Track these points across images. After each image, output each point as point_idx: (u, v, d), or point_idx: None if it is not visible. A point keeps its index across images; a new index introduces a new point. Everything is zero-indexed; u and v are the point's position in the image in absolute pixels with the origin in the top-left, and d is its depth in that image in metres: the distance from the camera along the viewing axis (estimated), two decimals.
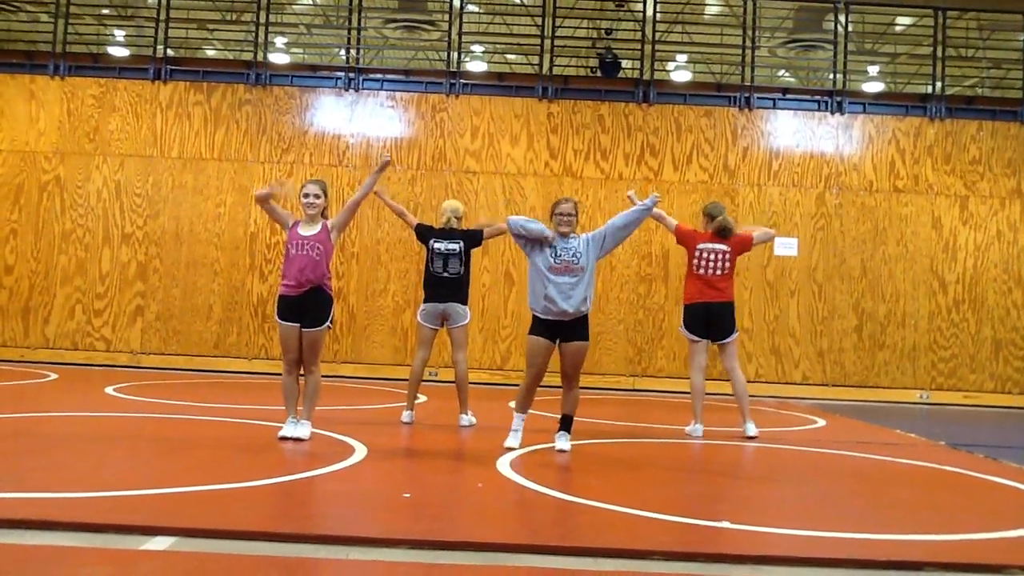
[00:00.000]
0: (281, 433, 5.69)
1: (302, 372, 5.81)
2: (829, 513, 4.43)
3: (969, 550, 3.66)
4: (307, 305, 5.67)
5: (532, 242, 5.67)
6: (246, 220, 11.65)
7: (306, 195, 5.74)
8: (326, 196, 5.83)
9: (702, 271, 7.03)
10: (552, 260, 5.62)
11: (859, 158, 11.96)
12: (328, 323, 5.76)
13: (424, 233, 7.04)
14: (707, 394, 7.25)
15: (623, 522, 3.88)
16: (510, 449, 5.69)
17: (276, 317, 5.79)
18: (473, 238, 7.02)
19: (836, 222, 11.83)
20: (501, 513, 4.14)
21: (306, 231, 5.73)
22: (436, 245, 6.93)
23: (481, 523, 3.88)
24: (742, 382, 7.10)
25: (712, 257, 7.03)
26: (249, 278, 11.61)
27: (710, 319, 7.02)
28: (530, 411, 5.99)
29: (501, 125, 11.86)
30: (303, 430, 5.71)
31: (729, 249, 7.05)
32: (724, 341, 7.07)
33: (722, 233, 7.06)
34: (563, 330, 5.67)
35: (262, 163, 11.74)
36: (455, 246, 6.91)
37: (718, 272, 7.02)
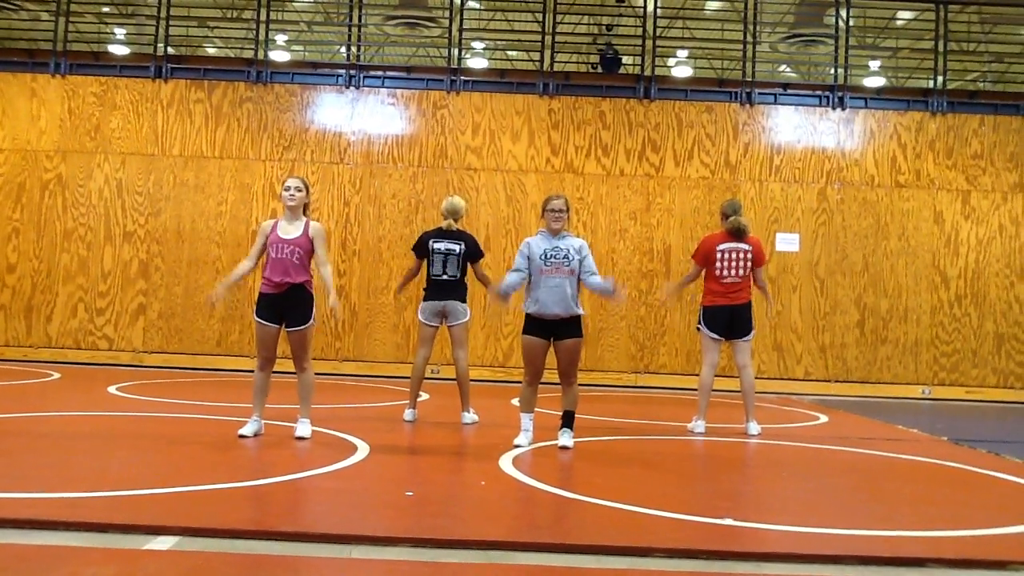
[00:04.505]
0: (241, 431, 5.64)
1: (275, 370, 5.84)
2: (832, 509, 4.43)
3: (972, 546, 3.65)
4: (288, 303, 5.66)
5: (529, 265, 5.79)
6: (247, 218, 11.65)
7: (287, 188, 5.74)
8: (308, 191, 5.83)
9: (724, 272, 6.98)
10: (543, 263, 5.69)
11: (860, 153, 11.94)
12: (311, 320, 5.76)
13: (422, 242, 6.96)
14: (712, 390, 7.25)
15: (625, 519, 3.88)
16: (519, 447, 5.70)
17: (255, 315, 5.79)
18: (474, 252, 6.93)
19: (838, 217, 11.81)
20: (503, 511, 4.14)
21: (287, 232, 5.67)
22: (436, 245, 6.88)
23: (484, 521, 3.88)
24: (751, 380, 7.08)
25: (733, 257, 6.98)
26: (251, 276, 11.56)
27: (730, 320, 7.02)
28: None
29: (502, 122, 11.85)
30: (303, 429, 5.71)
31: (750, 248, 7.01)
32: (742, 340, 7.07)
33: (736, 235, 7.01)
34: (556, 329, 5.72)
35: (263, 161, 11.75)
36: (455, 247, 6.88)
37: (739, 273, 6.98)
